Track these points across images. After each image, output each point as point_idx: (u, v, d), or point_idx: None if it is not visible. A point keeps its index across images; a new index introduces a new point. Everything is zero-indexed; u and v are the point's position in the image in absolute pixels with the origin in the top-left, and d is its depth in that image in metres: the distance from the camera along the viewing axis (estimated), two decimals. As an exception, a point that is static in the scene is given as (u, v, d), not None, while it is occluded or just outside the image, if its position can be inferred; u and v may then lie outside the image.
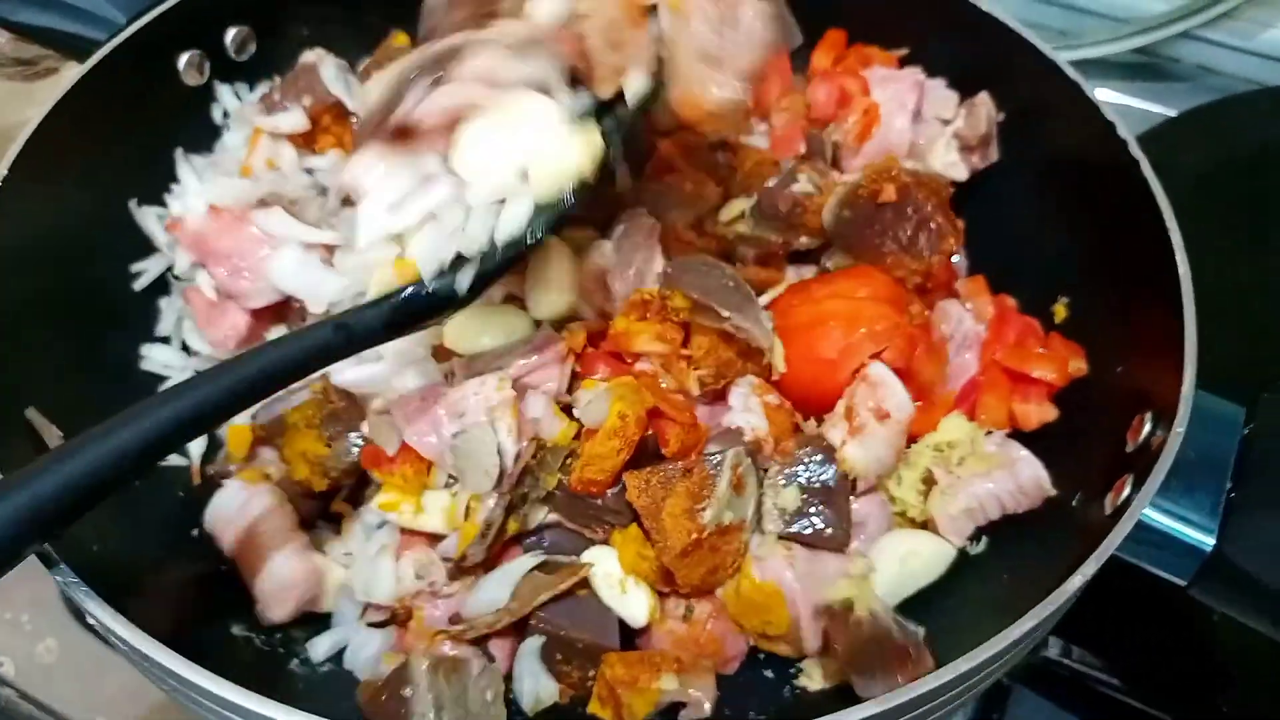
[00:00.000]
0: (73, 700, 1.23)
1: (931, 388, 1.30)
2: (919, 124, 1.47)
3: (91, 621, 0.92)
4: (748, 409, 1.19)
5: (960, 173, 1.45)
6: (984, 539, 1.23)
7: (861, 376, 1.20)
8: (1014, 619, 0.94)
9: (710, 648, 1.13)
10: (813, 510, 1.14)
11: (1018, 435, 1.27)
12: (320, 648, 1.16)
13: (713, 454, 1.11)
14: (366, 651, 1.15)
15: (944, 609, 1.18)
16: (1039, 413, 1.27)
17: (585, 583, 1.12)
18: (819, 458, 1.16)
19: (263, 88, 1.51)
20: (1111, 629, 1.32)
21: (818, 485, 1.15)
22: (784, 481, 1.16)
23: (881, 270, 1.31)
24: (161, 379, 1.36)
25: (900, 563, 1.18)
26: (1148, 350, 1.16)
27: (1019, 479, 1.19)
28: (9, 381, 1.11)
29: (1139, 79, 2.00)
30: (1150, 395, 1.10)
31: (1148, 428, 1.08)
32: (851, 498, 1.19)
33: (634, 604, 1.11)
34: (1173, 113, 1.88)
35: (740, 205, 1.39)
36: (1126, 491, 1.03)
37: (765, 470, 1.17)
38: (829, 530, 1.14)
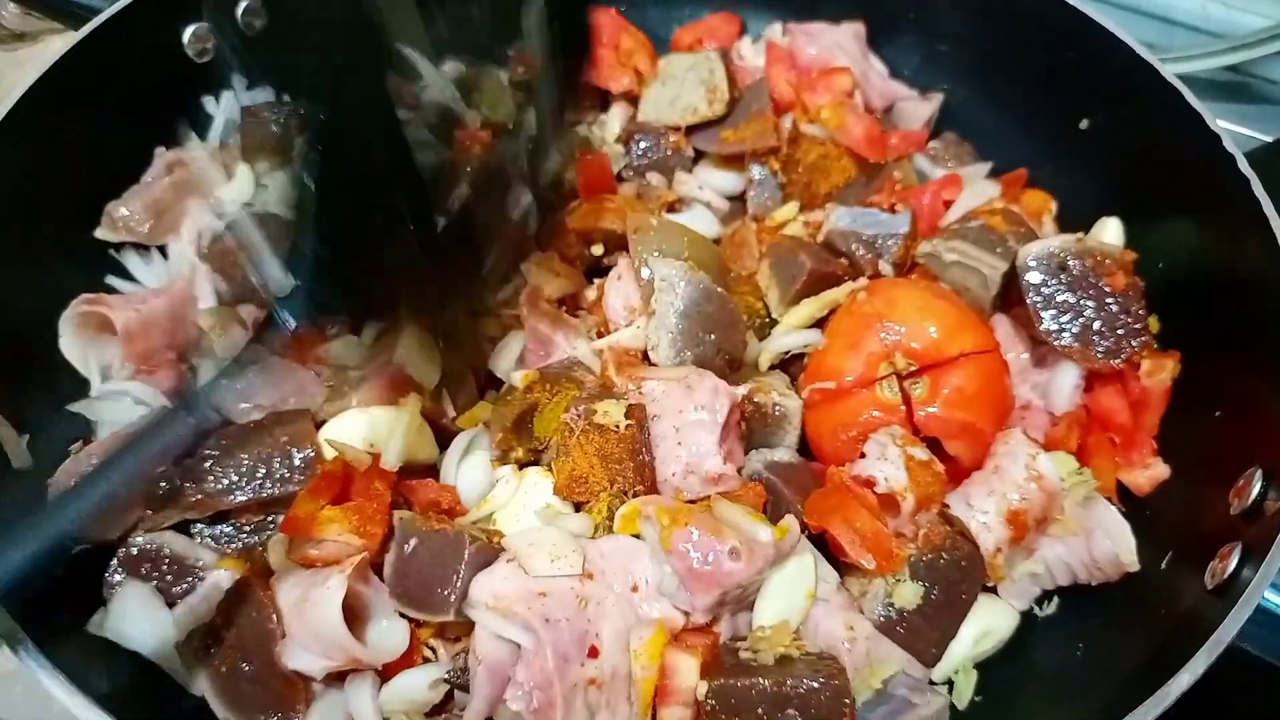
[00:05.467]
0: (24, 714, 1.13)
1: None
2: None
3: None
4: (884, 458, 1.02)
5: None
6: (1054, 600, 1.08)
7: (1035, 476, 1.03)
8: (1091, 711, 0.80)
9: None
10: (928, 613, 0.99)
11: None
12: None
13: None
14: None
15: (1006, 675, 1.03)
16: (1150, 476, 1.10)
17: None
18: (963, 561, 1.00)
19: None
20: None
21: (945, 590, 0.99)
22: (910, 577, 0.99)
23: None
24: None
25: (974, 644, 1.02)
26: (1256, 394, 1.01)
27: (1094, 551, 1.03)
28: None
29: (1231, 99, 1.84)
30: (1259, 449, 0.95)
31: (1257, 487, 0.93)
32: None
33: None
34: (1268, 137, 1.72)
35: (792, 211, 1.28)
36: (1234, 563, 0.88)
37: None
38: (932, 651, 1.00)
